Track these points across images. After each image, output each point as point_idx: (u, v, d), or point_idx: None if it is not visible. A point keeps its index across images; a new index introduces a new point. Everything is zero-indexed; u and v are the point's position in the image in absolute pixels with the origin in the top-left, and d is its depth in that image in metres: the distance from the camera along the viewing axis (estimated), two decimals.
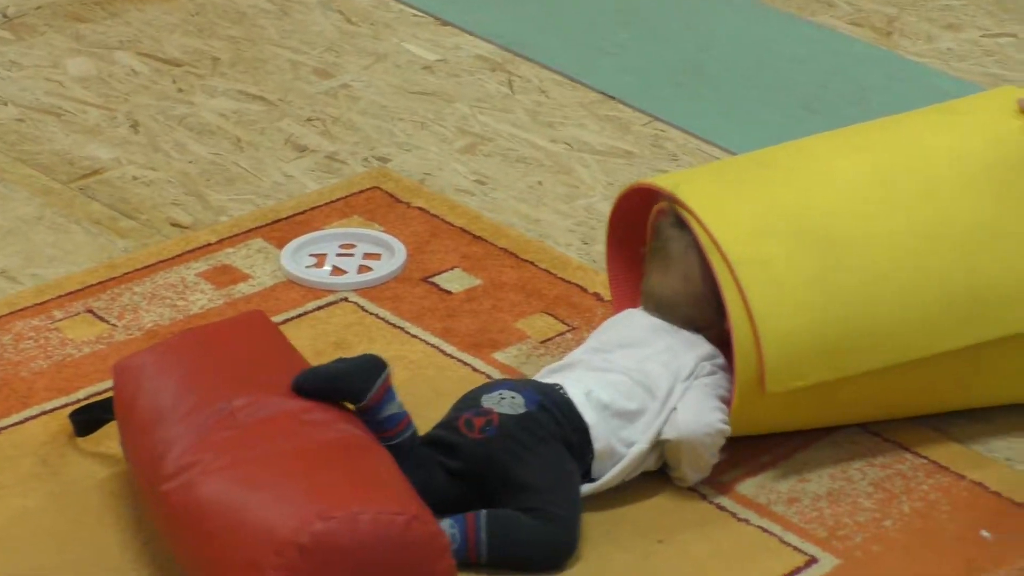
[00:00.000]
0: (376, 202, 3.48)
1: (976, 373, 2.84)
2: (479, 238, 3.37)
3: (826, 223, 2.79)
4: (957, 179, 2.85)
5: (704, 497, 2.75)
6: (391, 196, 3.50)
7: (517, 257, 3.31)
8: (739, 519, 2.71)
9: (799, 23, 4.19)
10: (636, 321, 2.86)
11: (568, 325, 3.13)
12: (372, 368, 2.61)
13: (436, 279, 3.26)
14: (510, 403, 2.67)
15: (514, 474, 2.62)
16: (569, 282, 3.24)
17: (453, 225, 3.41)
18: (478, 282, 3.25)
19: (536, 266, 3.29)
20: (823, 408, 2.82)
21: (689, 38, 4.13)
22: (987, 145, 2.89)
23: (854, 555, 2.64)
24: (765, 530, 2.69)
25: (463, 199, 3.52)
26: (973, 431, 2.90)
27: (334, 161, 3.65)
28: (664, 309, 2.83)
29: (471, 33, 4.15)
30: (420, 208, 3.46)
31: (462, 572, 2.53)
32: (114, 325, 3.11)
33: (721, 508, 2.73)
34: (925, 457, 2.84)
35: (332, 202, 3.48)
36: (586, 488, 2.69)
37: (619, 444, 2.70)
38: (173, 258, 3.30)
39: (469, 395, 2.73)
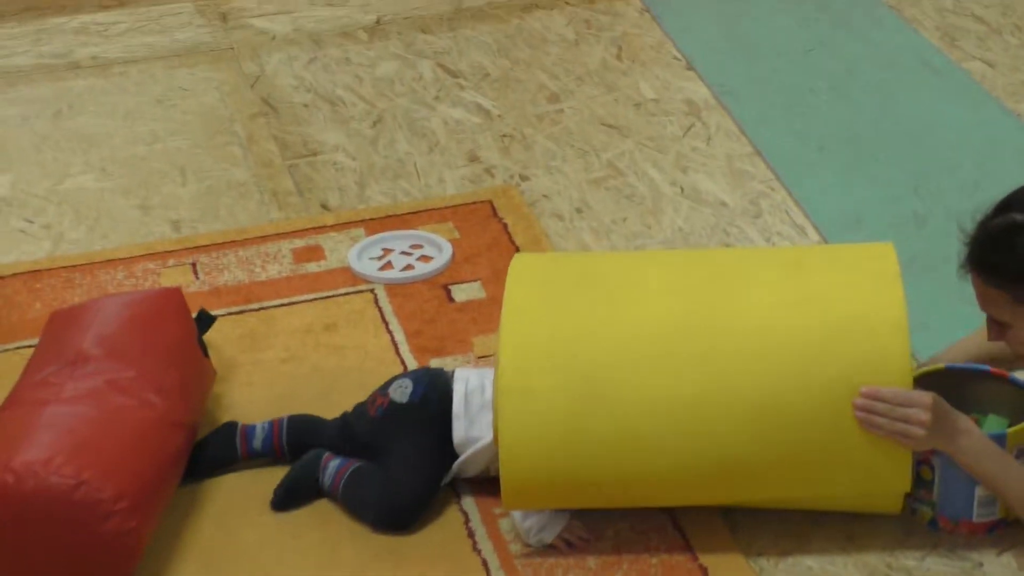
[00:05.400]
0: (476, 214, 3.26)
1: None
2: None
3: (599, 364, 2.30)
4: (750, 353, 2.27)
5: (467, 519, 2.45)
6: (493, 210, 3.27)
7: None
8: (475, 548, 2.39)
9: (1005, 116, 3.53)
10: None
11: None
12: (225, 437, 2.56)
13: (453, 286, 3.02)
14: (401, 392, 2.52)
15: (387, 449, 2.49)
16: None
17: (513, 242, 3.15)
18: (483, 296, 2.99)
19: None
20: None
21: (873, 105, 3.59)
22: (800, 330, 2.27)
23: None
24: (484, 562, 2.37)
25: (549, 221, 3.24)
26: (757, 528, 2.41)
27: (487, 174, 3.44)
28: None
29: (701, 77, 3.77)
30: (504, 223, 3.21)
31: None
32: (197, 278, 3.09)
33: (471, 534, 2.42)
34: (685, 539, 2.39)
35: (441, 208, 3.29)
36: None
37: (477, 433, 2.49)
38: (290, 232, 3.23)
39: (395, 377, 2.58)
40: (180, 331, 2.65)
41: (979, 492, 2.30)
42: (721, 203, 3.29)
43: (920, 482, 2.35)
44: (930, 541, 2.36)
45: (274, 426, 2.58)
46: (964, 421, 2.25)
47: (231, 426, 2.57)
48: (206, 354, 2.68)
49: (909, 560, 2.33)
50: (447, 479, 2.49)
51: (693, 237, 3.17)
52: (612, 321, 2.35)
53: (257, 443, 2.55)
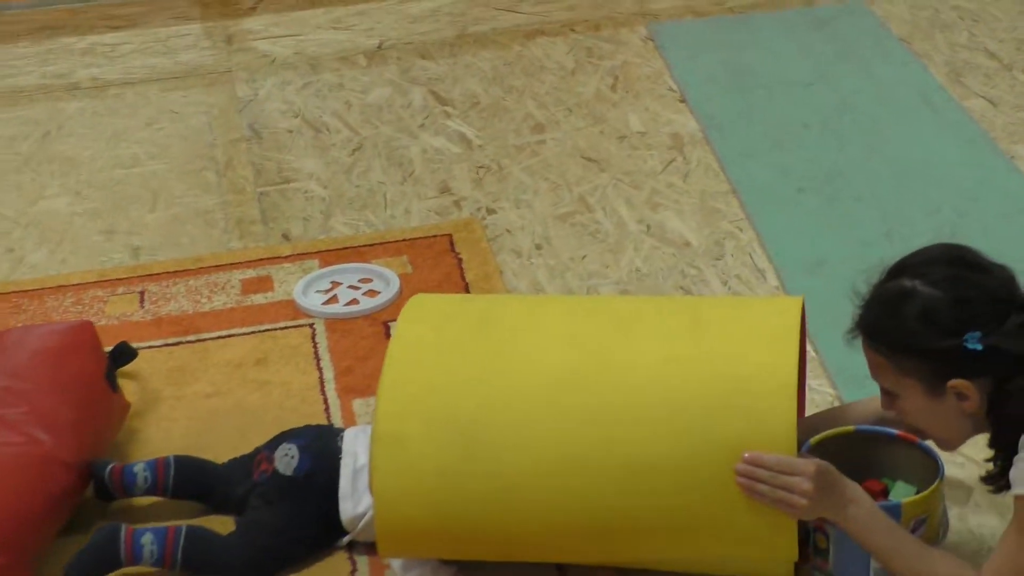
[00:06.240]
0: (433, 248, 3.18)
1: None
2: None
3: (479, 415, 2.20)
4: (637, 410, 2.16)
5: (354, 569, 2.37)
6: (451, 245, 3.19)
7: None
8: None
9: (995, 157, 3.38)
10: None
11: None
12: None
13: (394, 323, 2.94)
14: (287, 463, 2.42)
15: (263, 511, 2.40)
16: None
17: (464, 279, 3.07)
18: None
19: None
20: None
21: (862, 142, 3.45)
22: (689, 389, 2.15)
23: None
24: None
25: (507, 258, 3.15)
26: None
27: (455, 206, 3.36)
28: None
29: (692, 110, 3.66)
30: (460, 258, 3.13)
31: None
32: (142, 307, 3.05)
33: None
34: None
35: (398, 241, 3.22)
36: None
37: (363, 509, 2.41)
38: (244, 262, 3.17)
39: (286, 433, 2.49)
40: (86, 366, 2.59)
41: (875, 563, 2.18)
42: (685, 243, 3.17)
43: (816, 550, 2.23)
44: None
45: (158, 471, 2.47)
46: (853, 490, 2.13)
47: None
48: (115, 389, 2.63)
49: None
50: (340, 544, 2.41)
51: (649, 279, 3.06)
52: (499, 371, 2.25)
53: (139, 492, 2.47)
